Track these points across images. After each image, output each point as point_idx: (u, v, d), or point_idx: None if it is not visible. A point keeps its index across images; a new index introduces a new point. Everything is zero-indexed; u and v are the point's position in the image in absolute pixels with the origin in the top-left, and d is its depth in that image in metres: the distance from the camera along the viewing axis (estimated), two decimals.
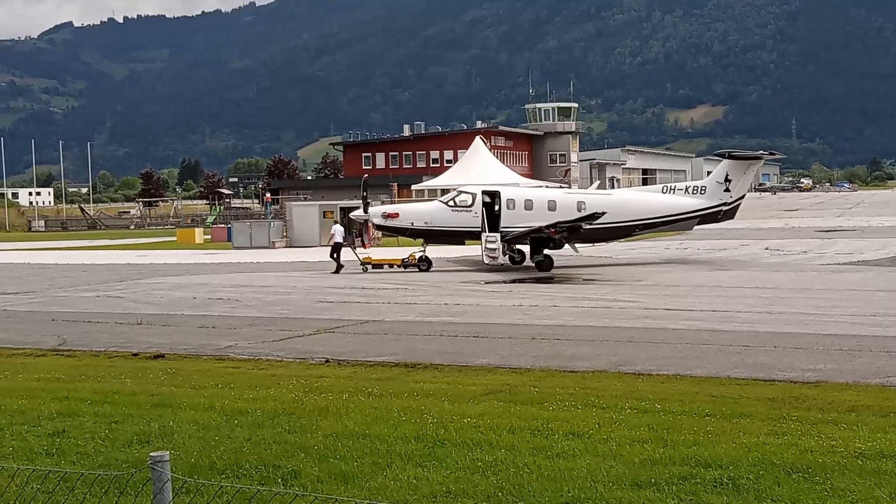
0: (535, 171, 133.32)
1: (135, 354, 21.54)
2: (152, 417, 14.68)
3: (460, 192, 46.37)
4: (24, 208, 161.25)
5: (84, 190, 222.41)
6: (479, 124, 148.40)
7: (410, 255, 45.22)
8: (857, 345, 20.63)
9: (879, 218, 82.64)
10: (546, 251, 42.90)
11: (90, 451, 12.85)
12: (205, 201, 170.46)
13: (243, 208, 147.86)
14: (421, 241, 45.61)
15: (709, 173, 51.50)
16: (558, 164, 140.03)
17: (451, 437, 13.03)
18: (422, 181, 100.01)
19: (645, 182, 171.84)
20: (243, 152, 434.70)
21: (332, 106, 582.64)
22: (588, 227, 42.44)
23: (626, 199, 48.10)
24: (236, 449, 12.65)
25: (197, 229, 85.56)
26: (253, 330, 25.45)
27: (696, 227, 49.80)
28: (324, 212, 67.49)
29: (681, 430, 13.21)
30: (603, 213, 42.12)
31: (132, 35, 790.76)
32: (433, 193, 78.64)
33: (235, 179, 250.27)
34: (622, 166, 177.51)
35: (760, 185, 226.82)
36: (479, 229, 44.14)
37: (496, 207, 44.75)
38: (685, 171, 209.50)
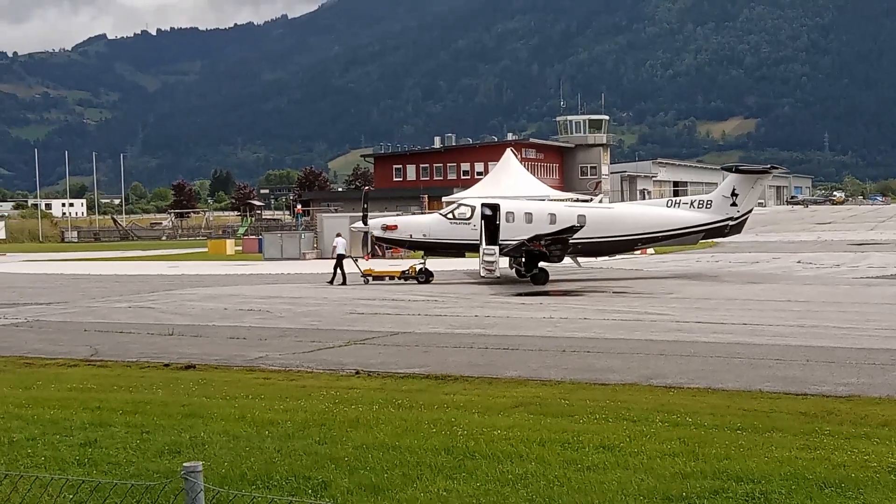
0: (566, 184, 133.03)
1: (166, 365, 21.66)
2: (183, 428, 14.74)
3: (460, 205, 46.48)
4: (58, 219, 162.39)
5: (117, 201, 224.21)
6: (509, 136, 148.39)
7: (411, 268, 45.29)
8: (891, 359, 20.46)
9: None
10: (542, 264, 42.78)
11: (122, 462, 12.91)
12: (236, 213, 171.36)
13: (274, 220, 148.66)
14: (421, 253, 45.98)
15: None
16: (589, 177, 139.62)
17: (481, 449, 13.02)
18: (452, 193, 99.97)
19: (675, 195, 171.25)
20: (274, 164, 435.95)
21: (363, 118, 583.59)
22: (588, 240, 42.75)
23: (628, 213, 48.00)
24: (267, 460, 12.69)
25: (228, 241, 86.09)
26: (284, 341, 25.49)
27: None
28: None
29: (712, 443, 13.15)
30: (580, 227, 42.19)
31: (165, 47, 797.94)
32: None
33: (266, 191, 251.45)
34: (653, 179, 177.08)
35: (793, 197, 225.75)
36: (478, 242, 43.93)
37: (496, 220, 44.59)
38: (717, 183, 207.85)
